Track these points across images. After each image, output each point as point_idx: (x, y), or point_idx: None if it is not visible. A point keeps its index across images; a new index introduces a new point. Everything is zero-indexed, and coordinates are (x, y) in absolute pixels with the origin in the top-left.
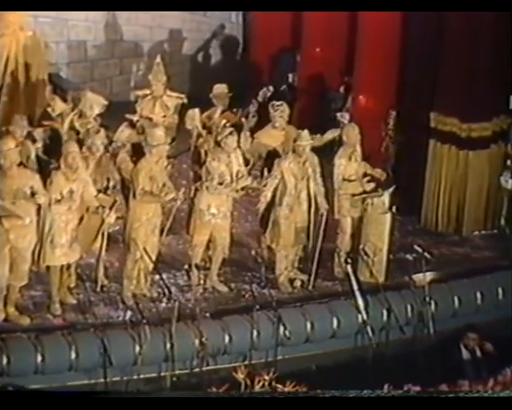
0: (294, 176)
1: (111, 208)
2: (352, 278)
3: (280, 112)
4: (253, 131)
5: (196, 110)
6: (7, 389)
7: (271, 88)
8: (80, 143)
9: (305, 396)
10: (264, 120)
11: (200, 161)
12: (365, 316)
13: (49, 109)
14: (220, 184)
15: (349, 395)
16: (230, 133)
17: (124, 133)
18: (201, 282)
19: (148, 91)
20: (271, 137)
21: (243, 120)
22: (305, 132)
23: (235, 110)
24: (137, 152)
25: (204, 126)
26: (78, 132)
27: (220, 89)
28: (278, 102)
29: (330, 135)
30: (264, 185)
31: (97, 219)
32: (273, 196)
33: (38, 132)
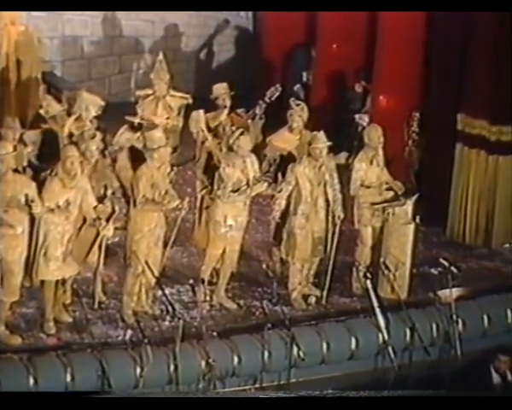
0: (310, 182)
1: (108, 220)
2: (372, 295)
3: (300, 111)
4: (265, 134)
5: (201, 112)
6: None
7: (279, 87)
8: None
9: (306, 396)
10: (271, 121)
11: (206, 168)
12: (386, 336)
13: (41, 111)
14: (234, 191)
15: (349, 395)
16: (242, 134)
17: (123, 137)
18: (208, 298)
19: (149, 91)
20: (286, 141)
21: (249, 122)
22: (321, 134)
23: (241, 110)
24: (138, 157)
25: (209, 129)
26: (71, 135)
27: (219, 89)
28: (297, 102)
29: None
30: (279, 191)
31: (93, 232)
32: (287, 205)
33: (29, 136)
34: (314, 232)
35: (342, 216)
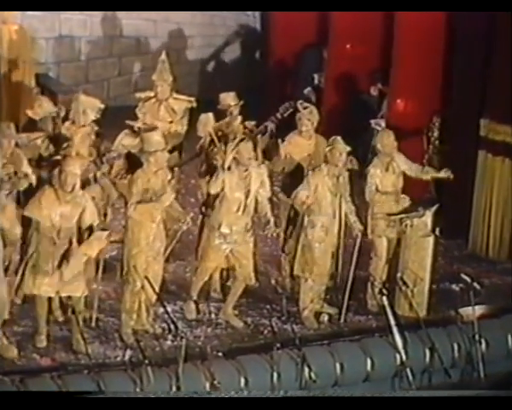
0: (330, 191)
1: (89, 236)
2: (389, 312)
3: (308, 113)
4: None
5: (210, 115)
6: None
7: (293, 103)
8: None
9: (306, 397)
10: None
11: (210, 176)
12: (404, 356)
13: (29, 112)
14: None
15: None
16: (242, 140)
17: (123, 143)
18: (212, 316)
19: (151, 94)
20: (297, 147)
21: (258, 137)
22: (339, 138)
23: (252, 124)
24: (136, 164)
25: (218, 136)
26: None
27: (226, 99)
28: (305, 104)
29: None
30: (294, 197)
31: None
32: (295, 216)
33: (21, 138)
34: (332, 246)
35: (362, 228)
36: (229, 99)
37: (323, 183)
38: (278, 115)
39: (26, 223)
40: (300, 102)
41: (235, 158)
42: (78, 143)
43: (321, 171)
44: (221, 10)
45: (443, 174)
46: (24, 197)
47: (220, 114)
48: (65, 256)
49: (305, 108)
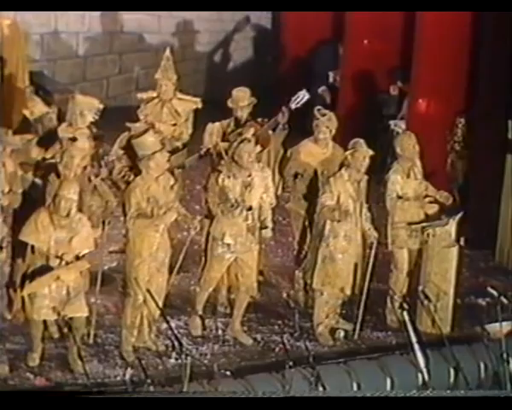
0: (352, 198)
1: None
2: (410, 328)
3: (327, 120)
4: (286, 146)
5: (217, 125)
6: None
7: (306, 93)
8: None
9: (307, 396)
10: (294, 132)
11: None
12: (426, 376)
13: (25, 112)
14: (232, 205)
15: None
16: (242, 141)
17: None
18: (219, 332)
19: (153, 94)
20: (311, 155)
21: (270, 132)
22: (362, 141)
23: (260, 120)
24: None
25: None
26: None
27: (240, 94)
28: (323, 111)
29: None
30: (321, 207)
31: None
32: (308, 225)
33: (14, 141)
34: (355, 256)
35: (377, 235)
36: (240, 95)
37: (345, 189)
38: (291, 106)
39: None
40: (318, 108)
41: (236, 162)
42: (79, 163)
43: (342, 176)
44: (229, 10)
45: (440, 197)
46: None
47: (229, 114)
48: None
49: (323, 114)
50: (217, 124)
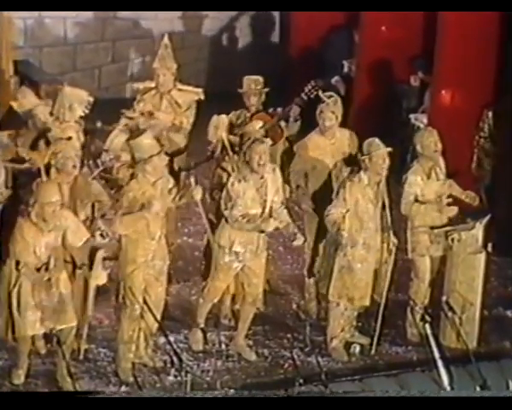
0: (372, 203)
1: (91, 264)
2: (432, 343)
3: (333, 104)
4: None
5: (223, 117)
6: None
7: (320, 82)
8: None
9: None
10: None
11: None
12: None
13: (13, 104)
14: (243, 216)
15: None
16: (254, 141)
17: (118, 141)
18: (223, 346)
19: (151, 84)
20: (318, 148)
21: (282, 125)
22: (378, 141)
23: (271, 110)
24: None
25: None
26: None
27: (252, 82)
28: (328, 93)
29: None
30: (327, 215)
31: (80, 280)
32: (323, 231)
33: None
34: (374, 264)
35: (396, 241)
36: (252, 80)
37: (364, 194)
38: (303, 96)
39: None
40: (327, 93)
41: (248, 163)
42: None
43: (361, 182)
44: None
45: (466, 197)
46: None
47: (235, 106)
48: (51, 285)
49: (329, 96)
50: (223, 116)
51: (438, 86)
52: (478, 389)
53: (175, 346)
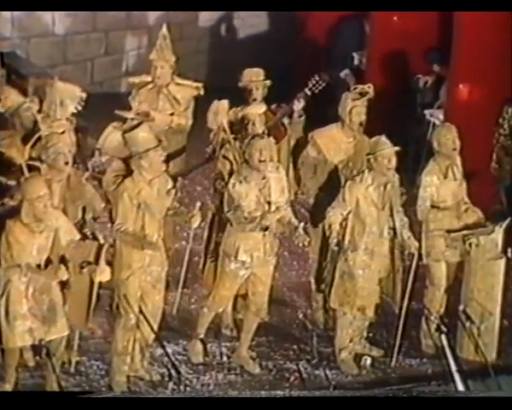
0: (375, 205)
1: (97, 260)
2: (449, 355)
3: (360, 105)
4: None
5: (224, 102)
6: None
7: (325, 76)
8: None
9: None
10: (312, 120)
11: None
12: None
13: None
14: (247, 218)
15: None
16: (254, 137)
17: (111, 139)
18: (224, 358)
19: (148, 78)
20: (333, 141)
21: (286, 121)
22: (384, 139)
23: (274, 106)
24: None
25: (232, 131)
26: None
27: (253, 74)
28: (360, 87)
29: None
30: (328, 217)
31: (85, 281)
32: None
33: None
34: (379, 272)
35: (417, 245)
36: (254, 72)
37: (366, 195)
38: (307, 91)
39: None
40: (353, 87)
41: (247, 162)
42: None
43: (364, 181)
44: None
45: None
46: None
47: (237, 102)
48: (42, 290)
49: (365, 93)
50: (223, 101)
51: (455, 80)
52: None
53: (173, 358)
